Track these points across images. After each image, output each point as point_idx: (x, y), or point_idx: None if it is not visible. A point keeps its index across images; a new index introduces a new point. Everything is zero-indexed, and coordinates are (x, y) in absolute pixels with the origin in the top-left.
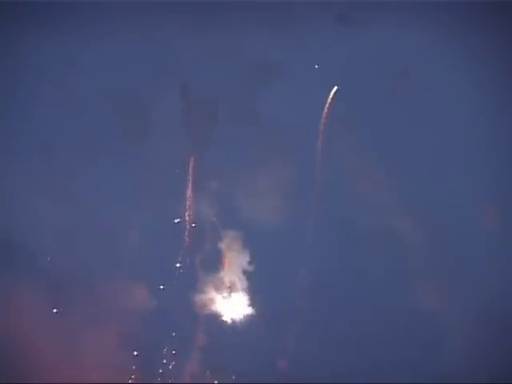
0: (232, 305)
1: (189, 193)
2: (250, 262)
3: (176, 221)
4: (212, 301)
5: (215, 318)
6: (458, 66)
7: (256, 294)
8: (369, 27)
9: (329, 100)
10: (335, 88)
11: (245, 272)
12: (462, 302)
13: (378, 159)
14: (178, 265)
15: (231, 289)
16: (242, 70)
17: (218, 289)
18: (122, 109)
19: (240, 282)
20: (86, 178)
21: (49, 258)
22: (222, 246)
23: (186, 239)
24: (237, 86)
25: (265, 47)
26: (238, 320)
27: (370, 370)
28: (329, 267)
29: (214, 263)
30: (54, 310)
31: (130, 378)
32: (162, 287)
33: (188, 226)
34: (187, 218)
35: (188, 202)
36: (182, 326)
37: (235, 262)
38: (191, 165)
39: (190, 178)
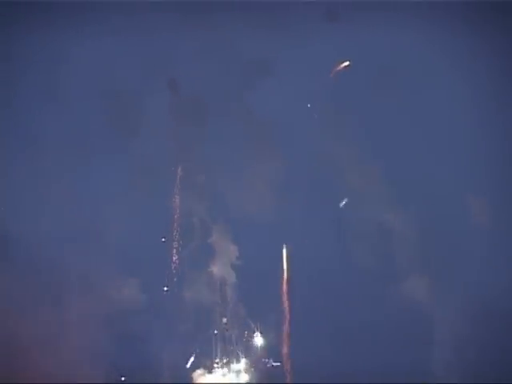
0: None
1: (177, 190)
2: (238, 257)
3: (163, 240)
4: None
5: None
6: (450, 62)
7: (245, 289)
8: (358, 25)
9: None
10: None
11: (233, 266)
12: (455, 297)
13: (370, 154)
14: (165, 288)
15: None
16: (231, 68)
17: (208, 284)
18: (112, 105)
19: (229, 276)
20: (75, 173)
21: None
22: (212, 240)
23: (175, 238)
24: (226, 82)
25: (255, 45)
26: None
27: (362, 365)
28: (320, 261)
29: (204, 258)
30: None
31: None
32: (165, 289)
33: (176, 225)
34: (175, 216)
35: (176, 200)
36: (172, 320)
37: (224, 256)
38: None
39: (179, 174)
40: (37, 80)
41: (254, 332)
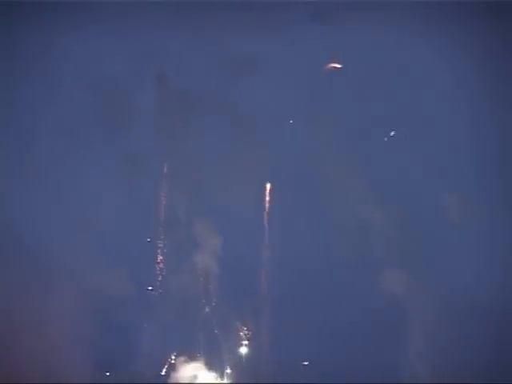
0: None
1: (163, 183)
2: (222, 250)
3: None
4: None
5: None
6: (433, 57)
7: (227, 281)
8: (349, 24)
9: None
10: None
11: (217, 259)
12: (433, 291)
13: (350, 150)
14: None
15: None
16: (219, 64)
17: (191, 275)
18: (101, 98)
19: (212, 268)
20: (64, 165)
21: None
22: (196, 233)
23: (161, 229)
24: (214, 78)
25: (243, 42)
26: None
27: (340, 357)
28: (301, 256)
29: (188, 251)
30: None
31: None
32: (149, 288)
33: (162, 218)
34: (161, 209)
35: (162, 193)
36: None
37: (208, 249)
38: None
39: (166, 167)
40: (28, 73)
41: (237, 326)
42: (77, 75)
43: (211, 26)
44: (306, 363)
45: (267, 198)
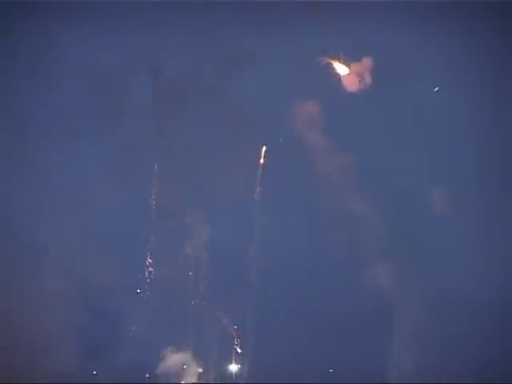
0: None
1: (156, 173)
2: (212, 238)
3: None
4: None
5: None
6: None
7: (216, 270)
8: (346, 22)
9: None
10: None
11: (207, 247)
12: (420, 284)
13: (341, 143)
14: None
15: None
16: (213, 56)
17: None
18: (95, 89)
19: (202, 256)
20: (58, 154)
21: None
22: (187, 222)
23: (152, 215)
24: (208, 70)
25: (238, 35)
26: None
27: (328, 349)
28: (289, 247)
29: (179, 239)
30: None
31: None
32: (138, 291)
33: (154, 206)
34: (153, 198)
35: (155, 182)
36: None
37: (198, 238)
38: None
39: (158, 157)
40: (24, 63)
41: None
42: (72, 66)
43: (207, 19)
44: (331, 370)
45: (261, 161)
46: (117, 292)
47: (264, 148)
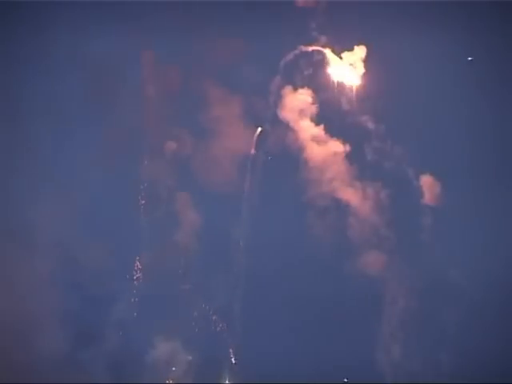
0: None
1: (148, 158)
2: (202, 225)
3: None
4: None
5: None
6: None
7: (206, 256)
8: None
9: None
10: None
11: (197, 234)
12: (410, 272)
13: (330, 131)
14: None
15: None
16: (209, 43)
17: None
18: (88, 74)
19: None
20: (50, 140)
21: None
22: (177, 209)
23: (142, 201)
24: (203, 56)
25: (234, 23)
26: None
27: (316, 335)
28: (279, 234)
29: (169, 226)
30: None
31: None
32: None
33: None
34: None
35: (146, 168)
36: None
37: (188, 225)
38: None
39: (150, 143)
40: (17, 49)
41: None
42: (65, 52)
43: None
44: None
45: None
46: (107, 278)
47: (259, 129)
